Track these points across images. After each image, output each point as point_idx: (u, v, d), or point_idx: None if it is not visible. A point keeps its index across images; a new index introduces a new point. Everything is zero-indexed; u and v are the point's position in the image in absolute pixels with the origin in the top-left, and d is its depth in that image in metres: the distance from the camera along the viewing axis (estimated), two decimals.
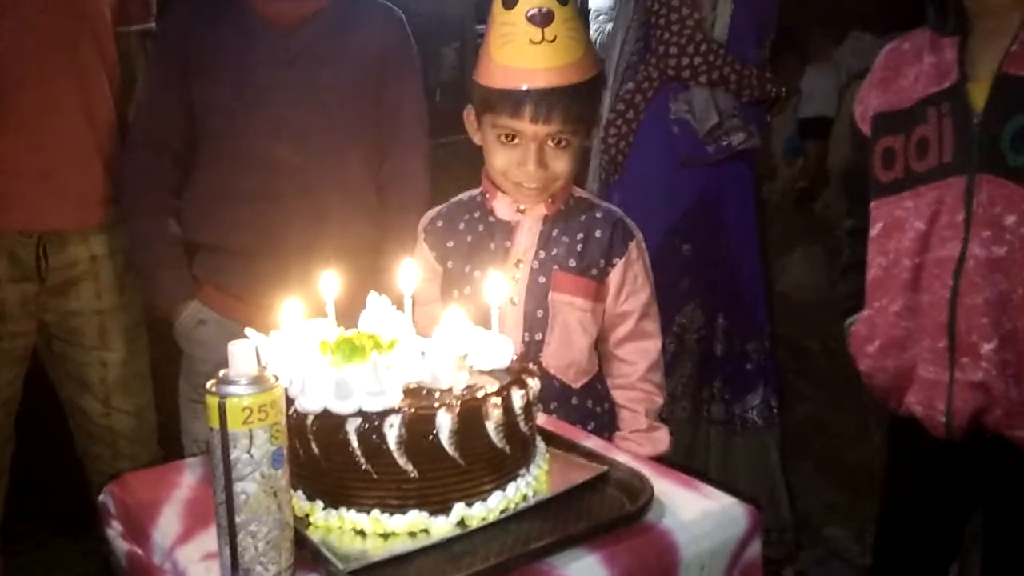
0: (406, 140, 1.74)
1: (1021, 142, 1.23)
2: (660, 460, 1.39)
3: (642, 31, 2.12)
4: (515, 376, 1.01)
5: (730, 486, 1.04)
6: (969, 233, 1.26)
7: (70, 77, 1.59)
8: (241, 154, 1.60)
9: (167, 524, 0.98)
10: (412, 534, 0.91)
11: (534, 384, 1.01)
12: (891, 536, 1.53)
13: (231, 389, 0.80)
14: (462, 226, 1.45)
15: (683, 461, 2.11)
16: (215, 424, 0.81)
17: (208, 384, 0.82)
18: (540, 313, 1.40)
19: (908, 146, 1.32)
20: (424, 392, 0.96)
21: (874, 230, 1.37)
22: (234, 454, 0.80)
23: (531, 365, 1.06)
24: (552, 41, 1.29)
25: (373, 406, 0.91)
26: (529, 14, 1.29)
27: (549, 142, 1.34)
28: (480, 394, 0.95)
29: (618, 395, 1.46)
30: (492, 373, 1.03)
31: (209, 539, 0.89)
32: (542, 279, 1.40)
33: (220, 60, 1.59)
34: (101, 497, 1.08)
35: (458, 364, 0.98)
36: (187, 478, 1.09)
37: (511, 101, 1.31)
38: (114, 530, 1.04)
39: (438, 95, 2.80)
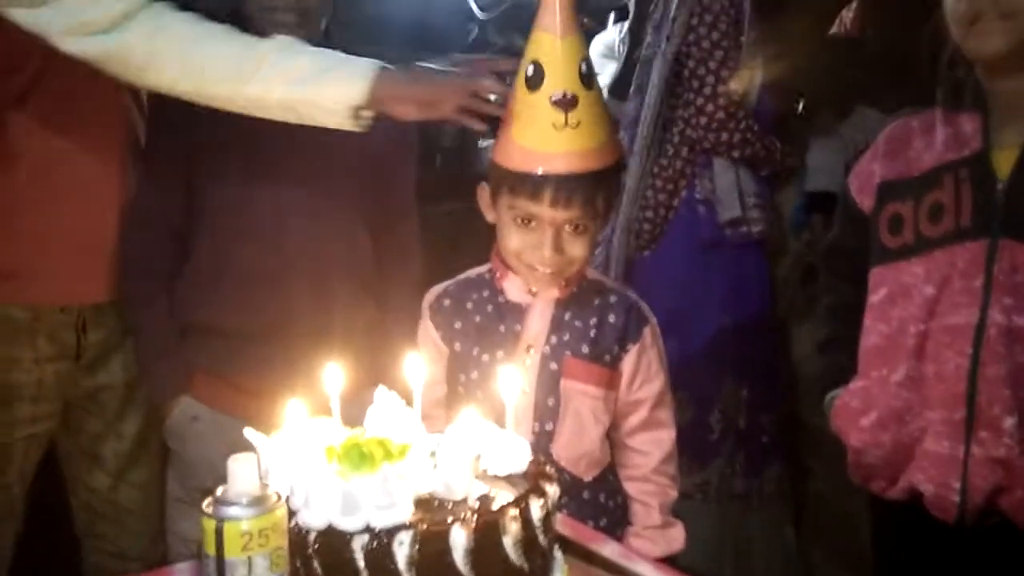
0: (403, 215, 1.70)
1: None
2: (674, 560, 1.33)
3: (669, 102, 2.11)
4: (532, 483, 0.95)
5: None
6: (989, 300, 1.23)
7: (108, 147, 1.57)
8: (245, 230, 1.54)
9: None
10: None
11: (553, 491, 0.94)
12: None
13: (230, 511, 0.74)
14: (470, 306, 1.39)
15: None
16: (211, 550, 0.74)
17: (204, 504, 0.75)
18: (551, 402, 1.34)
19: (919, 211, 1.30)
20: (436, 503, 0.89)
21: (876, 296, 1.34)
22: None
23: (548, 468, 0.99)
24: (576, 127, 1.26)
25: (382, 521, 0.84)
26: (554, 98, 1.25)
27: (567, 227, 1.29)
28: (496, 506, 0.88)
29: (630, 487, 1.39)
30: (508, 479, 0.96)
31: None
32: (553, 366, 1.35)
33: (226, 131, 1.52)
34: None
35: (472, 470, 0.92)
36: None
37: (530, 184, 1.27)
38: None
39: (438, 161, 2.78)
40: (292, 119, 1.35)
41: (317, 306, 1.56)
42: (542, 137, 1.26)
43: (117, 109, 1.59)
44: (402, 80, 1.31)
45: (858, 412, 1.34)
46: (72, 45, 1.32)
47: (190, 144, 1.55)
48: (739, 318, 2.14)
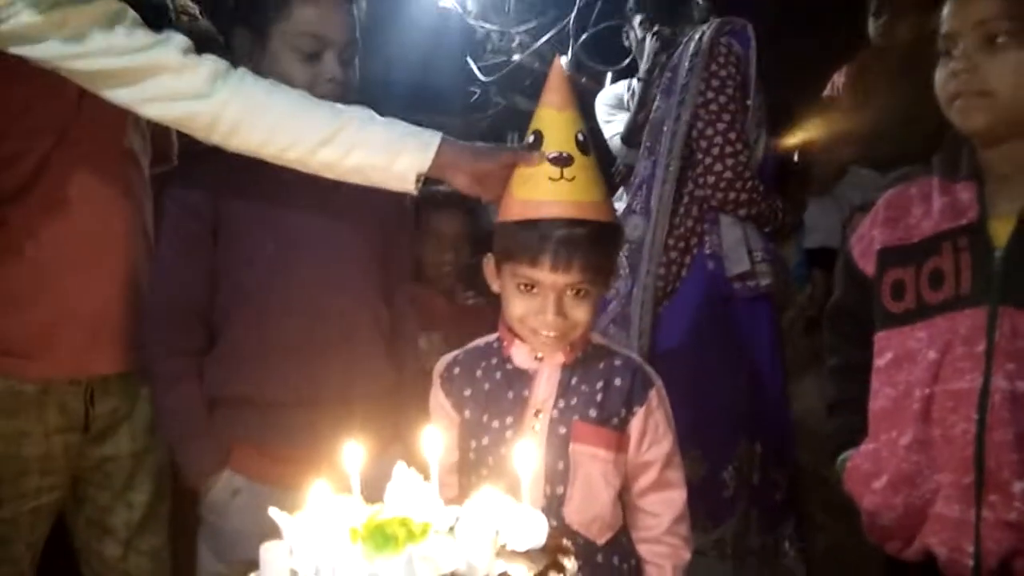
0: (402, 279, 1.76)
1: None
2: None
3: (681, 163, 2.18)
4: (551, 558, 0.97)
5: None
6: (991, 366, 1.25)
7: (114, 224, 1.59)
8: (287, 305, 1.57)
9: None
10: None
11: (571, 566, 0.96)
12: None
13: None
14: (479, 373, 1.42)
15: None
16: None
17: None
18: (561, 465, 1.36)
19: (920, 277, 1.32)
20: None
21: (882, 360, 1.36)
22: None
23: (565, 541, 1.01)
24: (571, 180, 1.33)
25: None
26: (551, 156, 1.34)
27: (568, 291, 1.33)
28: None
29: (643, 549, 1.40)
30: (527, 554, 0.98)
31: None
32: (562, 430, 1.37)
33: (256, 213, 1.57)
34: None
35: (493, 548, 0.94)
36: None
37: (531, 250, 1.31)
38: None
39: None
40: (357, 180, 1.43)
41: (346, 373, 1.58)
42: (538, 188, 1.34)
43: (123, 185, 1.61)
44: (462, 151, 1.41)
45: (869, 475, 1.36)
46: (158, 111, 1.39)
47: (216, 224, 1.58)
48: (751, 372, 2.17)
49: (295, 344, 1.56)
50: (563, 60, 1.40)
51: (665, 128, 2.19)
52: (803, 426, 2.34)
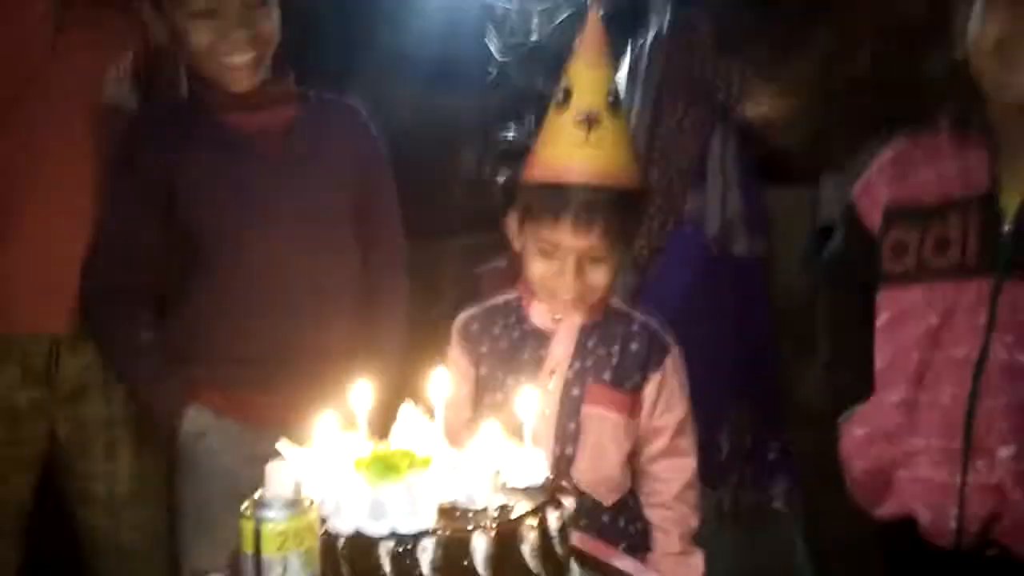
0: (386, 232, 1.73)
1: None
2: None
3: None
4: (550, 495, 0.99)
5: None
6: (991, 336, 1.25)
7: (85, 172, 1.57)
8: (250, 270, 1.55)
9: None
10: None
11: (569, 504, 0.98)
12: None
13: (268, 513, 0.79)
14: (497, 331, 1.44)
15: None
16: (249, 549, 0.78)
17: (243, 507, 0.80)
18: (572, 426, 1.37)
19: (924, 241, 1.32)
20: (458, 513, 0.93)
21: (881, 319, 1.36)
22: None
23: (565, 483, 1.03)
24: (596, 144, 1.32)
25: (407, 528, 0.88)
26: (578, 118, 1.32)
27: (589, 255, 1.34)
28: (515, 515, 0.92)
29: (651, 514, 1.41)
30: (526, 491, 1.00)
31: None
32: (576, 391, 1.38)
33: (210, 181, 1.54)
34: None
35: (493, 483, 0.96)
36: None
37: (552, 212, 1.32)
38: None
39: (458, 195, 2.84)
40: None
41: (315, 331, 1.57)
42: (563, 150, 1.33)
43: (93, 140, 1.58)
44: None
45: (855, 425, 1.38)
46: None
47: (166, 191, 1.54)
48: (739, 336, 2.17)
49: (259, 305, 1.55)
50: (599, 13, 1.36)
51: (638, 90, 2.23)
52: (804, 409, 2.34)
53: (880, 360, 1.36)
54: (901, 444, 1.31)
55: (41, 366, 1.59)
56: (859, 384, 1.39)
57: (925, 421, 1.30)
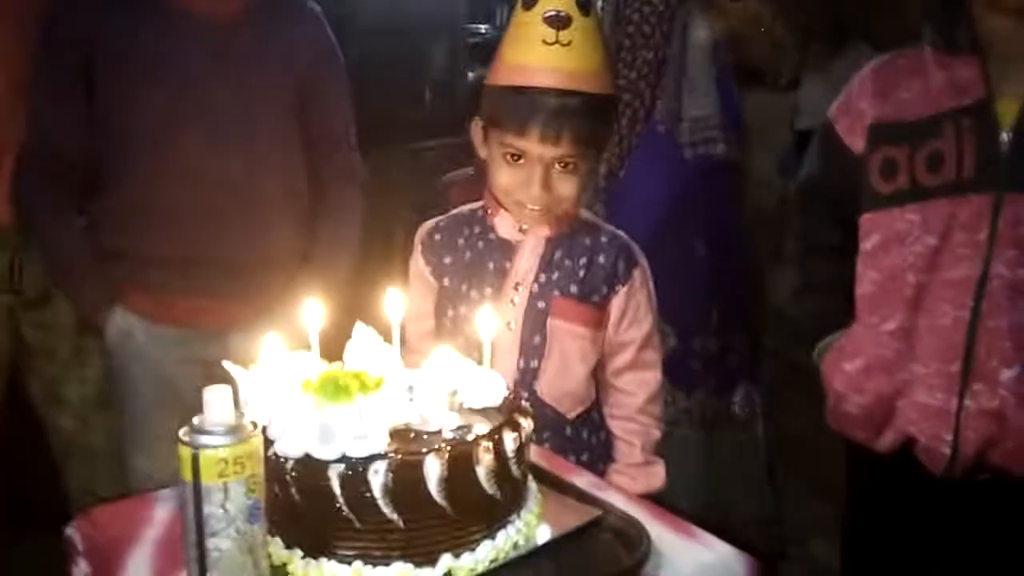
0: (334, 136, 1.63)
1: None
2: (653, 497, 1.36)
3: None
4: (507, 416, 0.96)
5: (730, 533, 1.00)
6: (992, 253, 1.21)
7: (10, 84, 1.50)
8: (176, 167, 1.46)
9: (138, 567, 0.93)
10: None
11: (527, 424, 0.96)
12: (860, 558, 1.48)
13: (205, 440, 0.75)
14: (461, 241, 1.39)
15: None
16: (187, 477, 0.75)
17: (180, 432, 0.77)
18: (537, 339, 1.35)
19: (915, 158, 1.26)
20: (412, 435, 0.91)
21: (868, 243, 1.32)
22: (207, 509, 0.75)
23: (524, 403, 1.01)
24: (567, 44, 1.24)
25: (358, 451, 0.86)
26: (546, 15, 1.24)
27: (556, 165, 1.28)
28: (470, 437, 0.90)
29: (615, 425, 1.41)
30: (483, 412, 0.98)
31: None
32: (541, 304, 1.35)
33: (144, 62, 1.41)
34: (67, 532, 1.02)
35: (448, 404, 0.93)
36: (159, 513, 1.03)
37: (519, 119, 1.25)
38: (80, 569, 0.98)
39: (428, 96, 2.74)
40: None
41: (245, 239, 1.50)
42: (531, 51, 1.25)
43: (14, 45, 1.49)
44: None
45: (846, 356, 1.34)
46: None
47: (95, 70, 1.44)
48: (705, 239, 2.16)
49: (187, 208, 1.47)
50: None
51: None
52: (781, 315, 2.35)
53: (865, 286, 1.32)
54: (901, 373, 1.28)
55: (2, 272, 1.56)
56: (836, 310, 1.36)
57: (925, 346, 1.26)
